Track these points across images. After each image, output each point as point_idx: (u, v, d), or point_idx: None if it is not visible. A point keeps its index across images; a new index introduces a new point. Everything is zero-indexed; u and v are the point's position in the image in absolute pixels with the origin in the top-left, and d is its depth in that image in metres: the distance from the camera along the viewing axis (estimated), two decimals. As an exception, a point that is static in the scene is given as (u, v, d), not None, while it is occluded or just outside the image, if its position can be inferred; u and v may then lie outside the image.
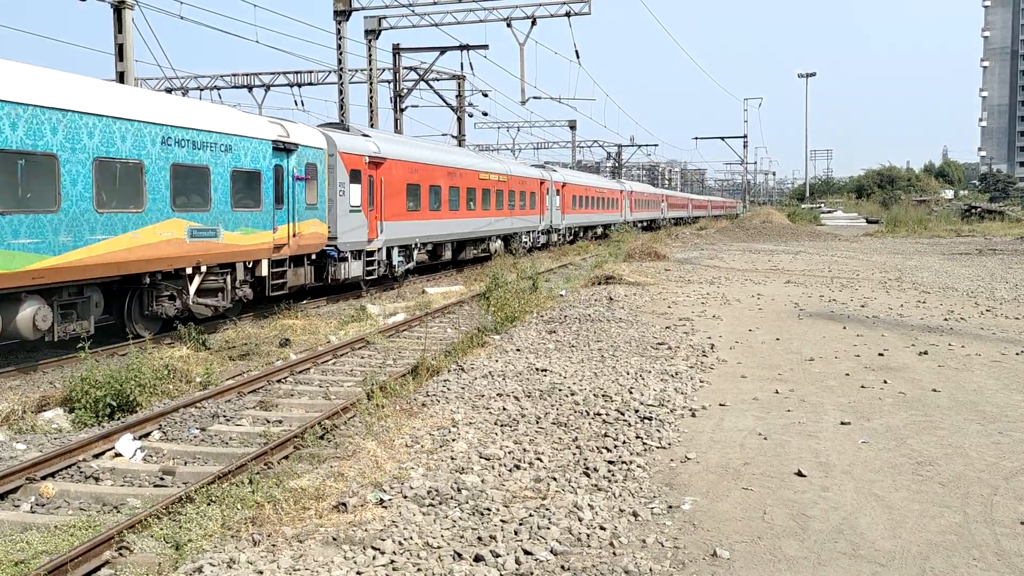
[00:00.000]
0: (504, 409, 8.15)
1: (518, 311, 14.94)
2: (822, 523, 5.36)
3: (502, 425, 7.64)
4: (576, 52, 33.64)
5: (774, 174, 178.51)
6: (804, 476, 6.21)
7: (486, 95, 42.23)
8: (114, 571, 6.02)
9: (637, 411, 8.01)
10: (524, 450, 6.85)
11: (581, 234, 48.75)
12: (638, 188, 68.38)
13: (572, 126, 73.39)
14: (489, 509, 5.55)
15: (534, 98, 60.65)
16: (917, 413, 8.05)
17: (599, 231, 52.66)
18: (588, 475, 6.27)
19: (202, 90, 42.76)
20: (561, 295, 18.39)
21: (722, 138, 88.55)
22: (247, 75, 42.98)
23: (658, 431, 7.39)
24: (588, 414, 7.93)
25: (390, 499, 5.70)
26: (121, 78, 18.41)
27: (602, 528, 5.28)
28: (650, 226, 64.22)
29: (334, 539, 5.10)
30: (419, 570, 4.72)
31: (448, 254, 28.29)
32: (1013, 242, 38.28)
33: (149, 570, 5.81)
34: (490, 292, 16.42)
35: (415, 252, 24.96)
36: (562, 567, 4.74)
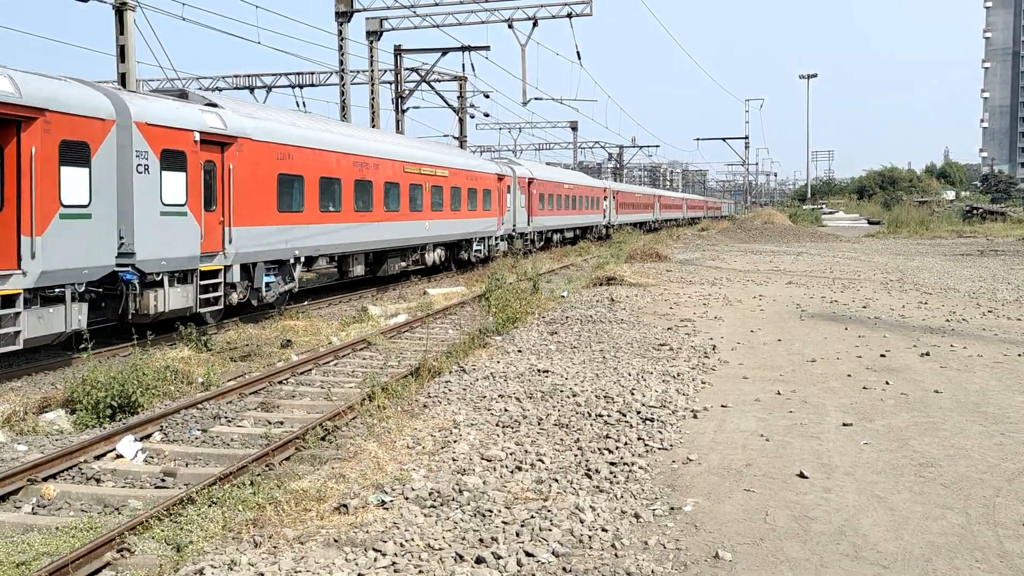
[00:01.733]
0: (506, 410, 8.14)
1: (519, 312, 14.93)
2: (824, 525, 5.35)
3: (504, 426, 7.63)
4: (578, 53, 33.70)
5: (775, 175, 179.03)
6: (806, 477, 6.20)
7: (488, 96, 42.27)
8: (115, 573, 6.02)
9: (639, 412, 7.99)
10: (526, 451, 6.85)
11: (554, 239, 42.28)
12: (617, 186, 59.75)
13: (574, 127, 73.47)
14: (491, 511, 5.55)
15: (535, 99, 60.61)
16: (919, 414, 8.03)
17: (573, 235, 46.21)
18: (590, 476, 6.26)
19: (203, 91, 42.76)
20: (562, 296, 18.38)
21: (723, 139, 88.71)
22: (249, 76, 43.01)
23: (660, 432, 7.38)
24: (590, 415, 7.92)
25: (391, 500, 5.70)
26: (123, 79, 18.42)
27: (604, 530, 5.27)
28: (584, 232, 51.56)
29: (335, 541, 5.10)
30: (420, 572, 4.72)
31: (359, 268, 22.05)
32: (1015, 243, 38.23)
33: (150, 572, 5.80)
34: (490, 293, 16.41)
35: (294, 269, 18.41)
36: (564, 569, 4.73)
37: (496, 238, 32.10)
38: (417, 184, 24.39)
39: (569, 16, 30.51)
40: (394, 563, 4.81)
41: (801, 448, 6.97)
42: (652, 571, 4.70)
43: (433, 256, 26.57)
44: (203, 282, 15.28)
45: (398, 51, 36.39)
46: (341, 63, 30.11)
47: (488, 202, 30.97)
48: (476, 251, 30.11)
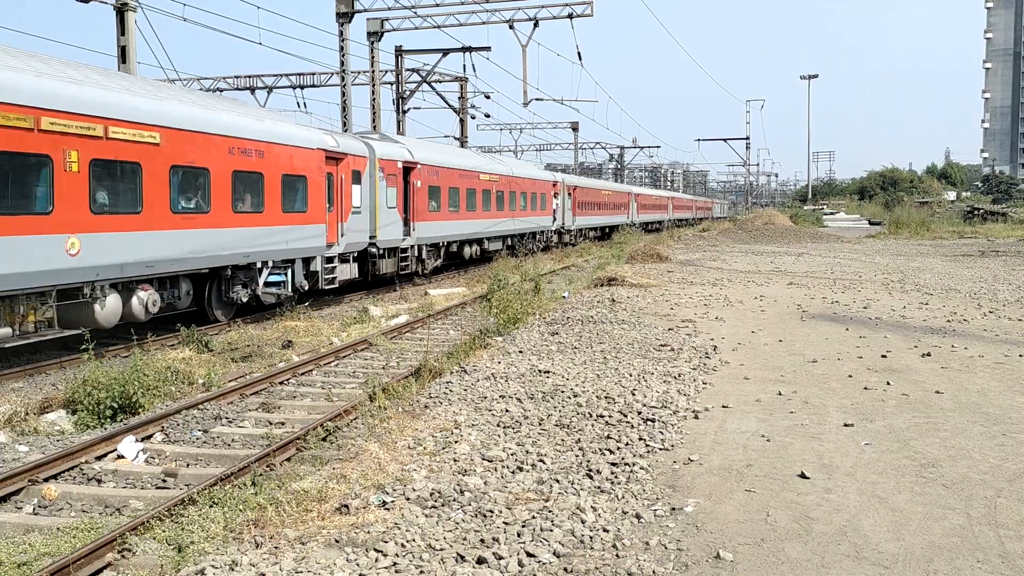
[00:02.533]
0: (507, 411, 8.14)
1: (520, 313, 14.93)
2: (825, 525, 5.35)
3: (505, 427, 7.63)
4: (578, 54, 33.78)
5: (776, 176, 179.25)
6: (807, 478, 6.20)
7: (488, 97, 42.36)
8: (116, 573, 6.02)
9: (640, 413, 7.99)
10: (527, 452, 6.85)
11: (466, 253, 29.68)
12: (581, 183, 47.52)
13: (575, 128, 73.51)
14: (492, 511, 5.55)
15: (536, 100, 60.48)
16: (920, 415, 8.03)
17: (501, 246, 32.85)
18: (591, 477, 6.26)
19: (204, 91, 42.82)
20: (563, 297, 18.38)
21: (724, 139, 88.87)
22: (249, 77, 43.06)
23: (661, 433, 7.38)
24: (591, 416, 7.92)
25: (392, 501, 5.70)
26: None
27: (605, 530, 5.27)
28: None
29: (336, 541, 5.10)
30: (422, 572, 4.72)
31: None
32: (1016, 244, 38.20)
33: (151, 572, 5.81)
34: (492, 294, 16.42)
35: None
36: (565, 569, 4.73)
37: (322, 259, 19.24)
38: (32, 156, 11.81)
39: (570, 17, 30.52)
40: (395, 563, 4.81)
41: (802, 448, 6.97)
42: (653, 571, 4.70)
43: (112, 303, 13.43)
44: None
45: (399, 52, 36.43)
46: (342, 64, 30.12)
47: (296, 198, 18.05)
48: (270, 289, 17.53)
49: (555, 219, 40.46)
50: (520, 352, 11.40)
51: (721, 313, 15.23)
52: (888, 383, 9.40)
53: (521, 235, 35.56)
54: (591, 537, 5.16)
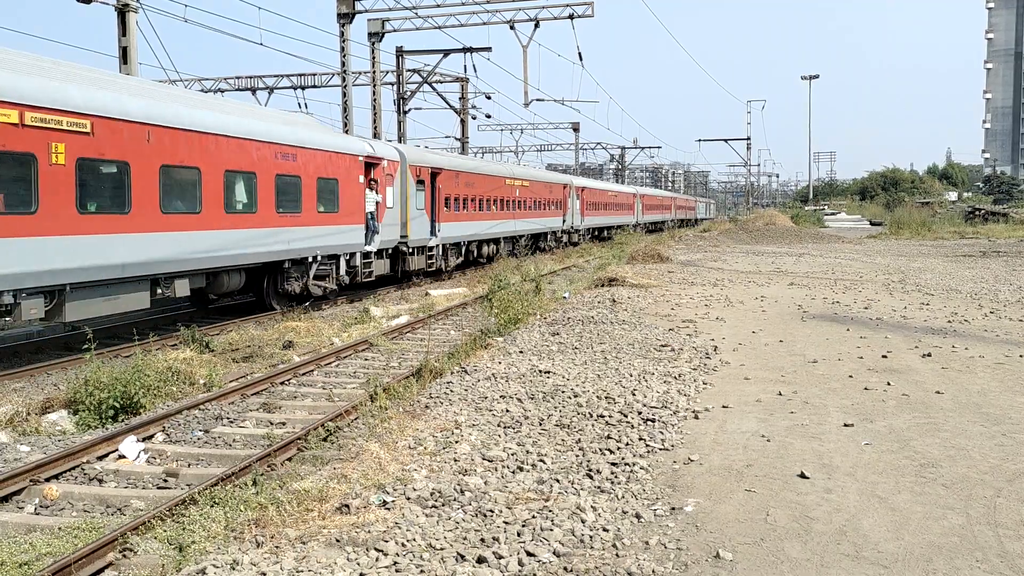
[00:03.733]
0: (507, 411, 8.15)
1: (521, 313, 14.95)
2: (825, 525, 5.36)
3: (505, 427, 7.64)
4: (579, 54, 33.78)
5: (777, 176, 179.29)
6: (807, 478, 6.21)
7: (489, 97, 42.38)
8: (118, 573, 6.03)
9: (640, 413, 8.01)
10: (527, 452, 6.86)
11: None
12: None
13: (575, 128, 73.50)
14: (492, 511, 5.56)
15: (537, 100, 60.41)
16: (920, 415, 8.04)
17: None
18: (591, 477, 6.28)
19: (205, 92, 42.84)
20: (564, 297, 18.39)
21: (725, 140, 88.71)
22: (250, 77, 43.07)
23: (661, 433, 7.39)
24: (591, 416, 7.93)
25: (393, 501, 5.71)
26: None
27: (605, 530, 5.28)
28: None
29: (337, 541, 5.11)
30: (422, 571, 4.73)
31: None
32: (1017, 244, 38.16)
33: (152, 572, 5.82)
34: (493, 294, 16.43)
35: None
36: (565, 569, 4.74)
37: None
38: None
39: (571, 17, 30.53)
40: (396, 563, 4.82)
41: (802, 448, 6.97)
42: (653, 571, 4.71)
43: None
44: None
45: (400, 52, 36.45)
46: (343, 64, 30.14)
47: None
48: None
49: (372, 230, 21.52)
50: (521, 352, 11.41)
51: (722, 313, 15.23)
52: (888, 383, 9.41)
53: (244, 268, 17.13)
54: (591, 537, 5.17)
